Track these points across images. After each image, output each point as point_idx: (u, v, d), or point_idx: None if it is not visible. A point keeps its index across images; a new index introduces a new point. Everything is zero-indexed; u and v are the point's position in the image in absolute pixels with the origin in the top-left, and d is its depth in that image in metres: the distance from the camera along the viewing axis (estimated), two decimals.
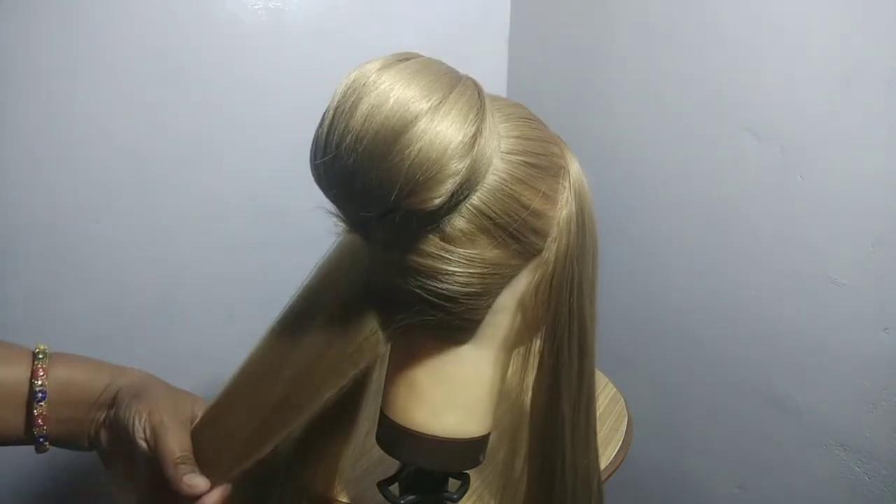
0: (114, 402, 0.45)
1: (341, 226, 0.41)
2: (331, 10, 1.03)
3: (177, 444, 0.42)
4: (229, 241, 1.02)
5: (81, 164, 0.86)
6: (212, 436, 0.45)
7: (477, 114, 0.36)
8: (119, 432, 0.44)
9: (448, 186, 0.35)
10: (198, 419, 0.46)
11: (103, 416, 0.45)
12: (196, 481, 0.42)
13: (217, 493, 0.44)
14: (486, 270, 0.40)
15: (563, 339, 0.46)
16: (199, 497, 0.43)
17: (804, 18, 0.84)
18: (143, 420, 0.43)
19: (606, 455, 0.82)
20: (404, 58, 0.36)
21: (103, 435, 0.45)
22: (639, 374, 1.16)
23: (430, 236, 0.39)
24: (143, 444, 0.42)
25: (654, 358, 1.16)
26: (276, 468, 0.53)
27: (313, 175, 0.37)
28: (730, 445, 1.06)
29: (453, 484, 0.53)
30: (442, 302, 0.40)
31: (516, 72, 1.33)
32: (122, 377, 0.47)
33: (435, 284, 0.40)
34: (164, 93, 0.90)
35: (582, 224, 0.45)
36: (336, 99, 0.35)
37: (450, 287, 0.40)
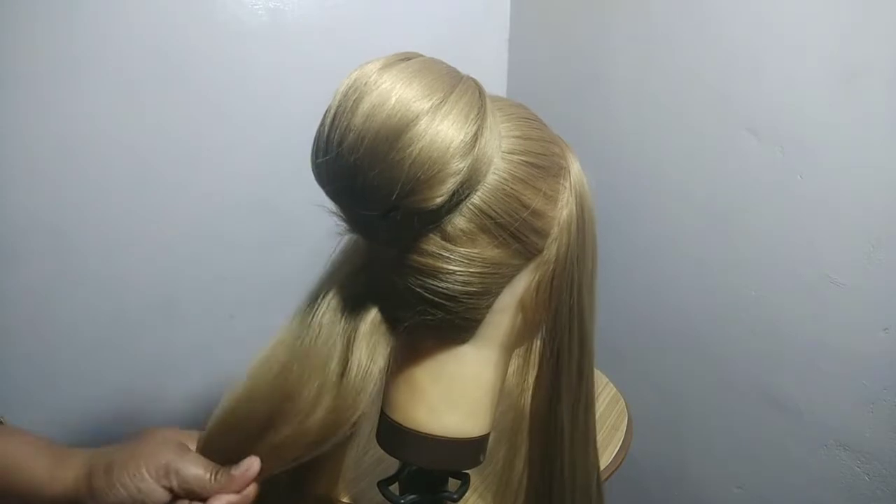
0: (91, 493, 0.39)
1: (342, 225, 0.41)
2: (331, 10, 1.03)
3: (200, 463, 0.40)
4: (229, 241, 1.02)
5: (81, 164, 0.86)
6: (230, 437, 0.42)
7: (478, 113, 0.36)
8: None
9: (449, 185, 0.35)
10: (206, 432, 0.43)
11: None
12: (246, 465, 0.40)
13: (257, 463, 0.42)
14: (486, 270, 0.40)
15: (563, 339, 0.46)
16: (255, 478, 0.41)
17: (804, 18, 0.84)
18: (145, 475, 0.39)
19: (606, 455, 0.82)
20: (405, 57, 0.36)
21: None
22: (639, 374, 1.16)
23: (431, 235, 0.39)
24: (163, 492, 0.39)
25: (654, 358, 1.16)
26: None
27: (314, 174, 0.37)
28: (730, 445, 1.06)
29: (453, 484, 0.53)
30: (442, 301, 0.40)
31: (516, 72, 1.33)
32: (80, 462, 0.41)
33: (435, 283, 0.40)
34: (164, 93, 0.90)
35: (582, 224, 0.45)
36: (337, 98, 0.35)
37: (450, 286, 0.40)
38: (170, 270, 0.97)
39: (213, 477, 0.40)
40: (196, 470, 0.39)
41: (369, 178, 0.34)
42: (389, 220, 0.37)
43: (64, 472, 0.40)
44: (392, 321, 0.43)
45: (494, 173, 0.38)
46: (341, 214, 0.40)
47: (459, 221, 0.39)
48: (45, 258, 0.85)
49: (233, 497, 0.40)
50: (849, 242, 0.85)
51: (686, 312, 1.08)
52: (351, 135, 0.34)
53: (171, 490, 0.39)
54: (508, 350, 0.48)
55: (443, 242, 0.39)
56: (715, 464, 1.10)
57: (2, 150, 0.80)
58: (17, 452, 0.41)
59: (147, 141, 0.91)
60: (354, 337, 0.43)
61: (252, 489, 0.41)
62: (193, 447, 0.43)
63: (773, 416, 0.98)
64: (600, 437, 0.85)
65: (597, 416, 0.87)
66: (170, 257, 0.97)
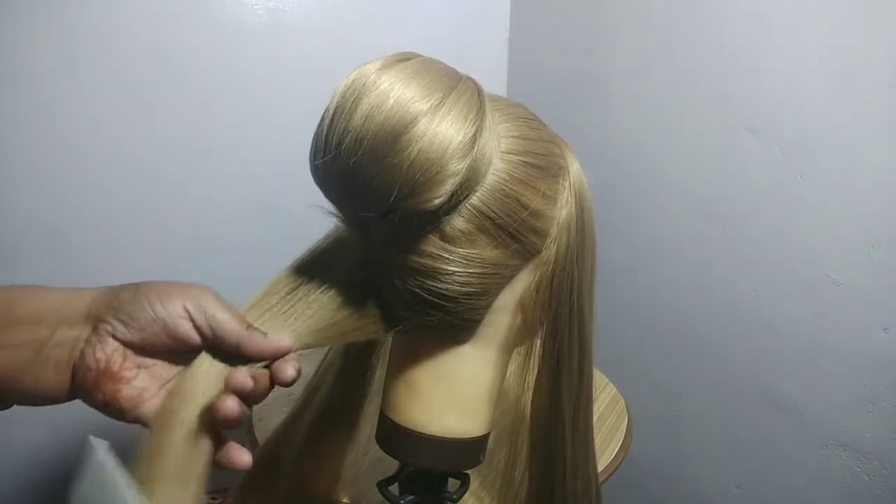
0: (114, 308, 0.35)
1: (341, 226, 0.41)
2: (331, 10, 1.03)
3: (233, 313, 0.37)
4: (229, 241, 1.02)
5: (81, 164, 0.86)
6: None
7: (477, 114, 0.36)
8: (144, 332, 0.35)
9: (448, 187, 0.35)
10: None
11: (88, 331, 0.35)
12: (280, 337, 0.37)
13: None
14: (485, 270, 0.40)
15: (563, 339, 0.46)
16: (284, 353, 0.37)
17: (804, 18, 0.84)
18: (177, 301, 0.35)
19: (606, 455, 0.82)
20: (404, 58, 0.36)
21: (98, 352, 0.34)
22: (639, 374, 1.16)
23: (430, 236, 0.39)
24: (190, 326, 0.35)
25: (654, 358, 1.16)
26: (280, 469, 0.53)
27: (313, 175, 0.37)
28: (729, 445, 1.06)
29: (453, 484, 0.53)
30: (441, 302, 0.40)
31: (516, 72, 1.33)
32: (100, 288, 0.37)
33: (434, 284, 0.39)
34: (164, 93, 0.91)
35: (581, 224, 0.45)
36: (336, 99, 0.34)
37: (449, 287, 0.40)
38: (170, 270, 0.97)
39: (245, 326, 0.36)
40: (229, 314, 0.36)
41: (368, 180, 0.34)
42: (388, 222, 0.37)
43: (80, 295, 0.36)
44: (391, 321, 0.43)
45: (493, 174, 0.38)
46: (339, 215, 0.40)
47: (458, 222, 0.39)
48: (45, 258, 0.85)
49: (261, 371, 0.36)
50: (849, 242, 0.85)
51: (686, 312, 1.08)
52: (349, 136, 0.33)
53: (196, 325, 0.35)
54: (508, 350, 0.48)
55: (442, 243, 0.39)
56: (714, 464, 1.10)
57: (2, 150, 0.81)
58: (25, 288, 0.36)
59: (147, 141, 0.91)
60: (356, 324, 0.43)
61: (293, 367, 0.37)
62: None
63: (772, 416, 0.98)
64: (600, 437, 0.85)
65: (596, 416, 0.88)
66: (170, 257, 0.97)
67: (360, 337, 0.44)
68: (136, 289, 0.36)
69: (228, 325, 0.36)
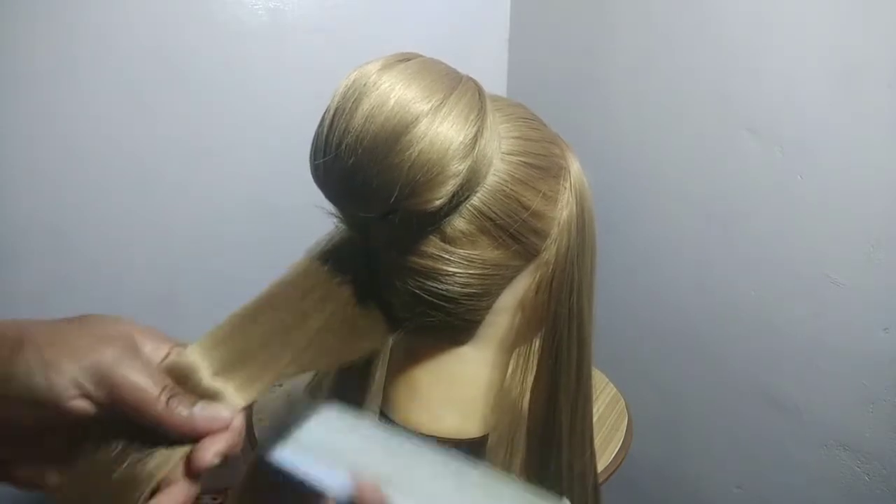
0: None
1: (341, 227, 0.41)
2: (331, 10, 1.04)
3: (149, 374, 0.29)
4: (229, 240, 1.02)
5: (81, 164, 0.86)
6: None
7: (478, 115, 0.36)
8: (27, 414, 0.28)
9: (449, 188, 0.35)
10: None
11: None
12: (214, 411, 0.30)
13: (241, 417, 0.32)
14: (486, 271, 0.40)
15: (561, 340, 0.46)
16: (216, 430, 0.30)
17: (804, 18, 0.84)
18: (65, 369, 0.28)
19: (606, 455, 0.82)
20: (405, 58, 0.36)
21: None
22: (639, 374, 1.16)
23: (431, 237, 0.39)
24: (81, 401, 0.28)
25: (654, 358, 1.16)
26: None
27: (313, 176, 0.37)
28: (729, 445, 1.06)
29: None
30: (442, 303, 0.40)
31: (516, 72, 1.33)
32: None
33: (435, 285, 0.39)
34: (165, 93, 0.91)
35: (582, 225, 0.45)
36: (336, 99, 0.34)
37: (450, 288, 0.40)
38: (169, 270, 0.97)
39: (164, 398, 0.28)
40: (141, 378, 0.28)
41: (368, 180, 0.34)
42: (388, 222, 0.37)
43: None
44: (391, 324, 0.43)
45: (494, 175, 0.38)
46: (340, 216, 0.40)
47: (459, 223, 0.38)
48: (45, 258, 0.85)
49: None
50: (849, 242, 0.85)
51: (686, 312, 1.08)
52: (349, 136, 0.33)
53: (95, 401, 0.28)
54: (508, 351, 0.48)
55: (442, 244, 0.39)
56: (714, 464, 1.10)
57: (2, 150, 0.81)
58: None
59: (147, 141, 0.91)
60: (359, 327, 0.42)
61: (212, 453, 0.29)
62: (151, 348, 0.31)
63: (772, 416, 0.98)
64: (600, 437, 0.85)
65: (597, 417, 0.88)
66: (170, 257, 0.97)
67: (360, 354, 0.43)
68: (14, 356, 0.28)
69: (137, 394, 0.28)
